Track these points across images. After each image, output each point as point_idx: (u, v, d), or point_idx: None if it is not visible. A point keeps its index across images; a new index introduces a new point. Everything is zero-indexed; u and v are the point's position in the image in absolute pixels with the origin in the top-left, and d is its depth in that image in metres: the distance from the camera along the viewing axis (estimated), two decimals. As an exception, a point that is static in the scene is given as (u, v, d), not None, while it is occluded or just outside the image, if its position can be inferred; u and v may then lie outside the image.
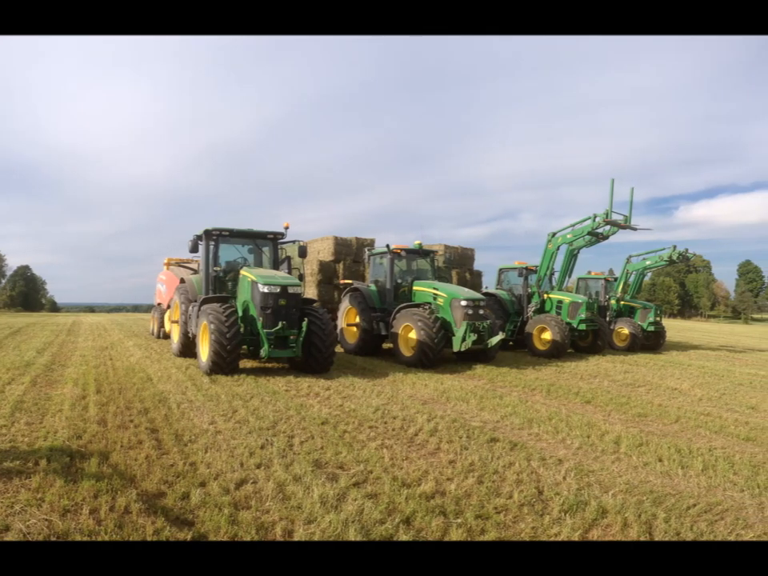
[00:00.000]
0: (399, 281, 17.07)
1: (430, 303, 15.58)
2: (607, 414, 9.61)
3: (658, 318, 23.24)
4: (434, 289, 15.78)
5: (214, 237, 14.00)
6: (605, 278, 24.26)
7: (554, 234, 19.50)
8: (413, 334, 14.60)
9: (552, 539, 4.62)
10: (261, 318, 12.09)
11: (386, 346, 17.11)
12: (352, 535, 4.44)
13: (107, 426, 7.59)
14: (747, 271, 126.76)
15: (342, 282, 20.15)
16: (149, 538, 4.31)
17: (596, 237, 18.92)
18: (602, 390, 11.96)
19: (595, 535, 4.74)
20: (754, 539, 4.78)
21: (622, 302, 23.72)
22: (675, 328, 44.38)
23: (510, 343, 20.22)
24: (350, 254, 21.73)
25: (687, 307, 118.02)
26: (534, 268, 20.65)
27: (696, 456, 7.11)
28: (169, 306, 18.11)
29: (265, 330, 11.95)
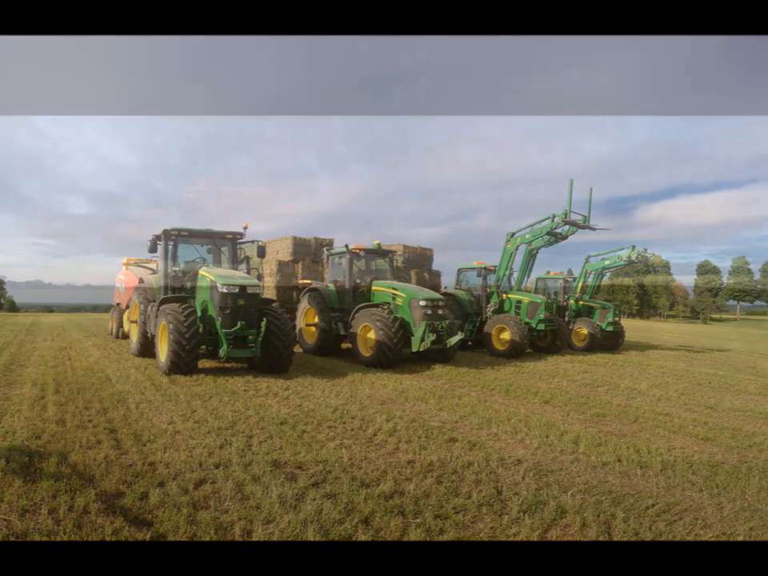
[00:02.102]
0: (358, 281, 17.05)
1: (388, 303, 15.60)
2: (566, 414, 9.72)
3: (617, 318, 23.55)
4: (393, 289, 15.79)
5: (173, 237, 13.89)
6: (564, 278, 24.43)
7: (512, 234, 19.64)
8: (372, 334, 14.61)
9: (511, 539, 4.66)
10: (220, 318, 12.01)
11: (345, 346, 17.13)
12: (311, 535, 4.44)
13: (66, 426, 7.49)
14: (706, 271, 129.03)
15: (300, 282, 20.07)
16: (108, 538, 4.28)
17: (555, 237, 19.10)
18: (560, 390, 12.10)
19: (554, 535, 4.79)
20: (713, 539, 4.85)
21: (581, 302, 23.98)
22: (634, 328, 45.01)
23: (469, 343, 20.33)
24: (309, 254, 21.72)
25: (646, 307, 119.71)
26: (492, 268, 20.79)
27: (655, 456, 7.22)
28: (128, 306, 17.88)
29: (224, 330, 11.87)
